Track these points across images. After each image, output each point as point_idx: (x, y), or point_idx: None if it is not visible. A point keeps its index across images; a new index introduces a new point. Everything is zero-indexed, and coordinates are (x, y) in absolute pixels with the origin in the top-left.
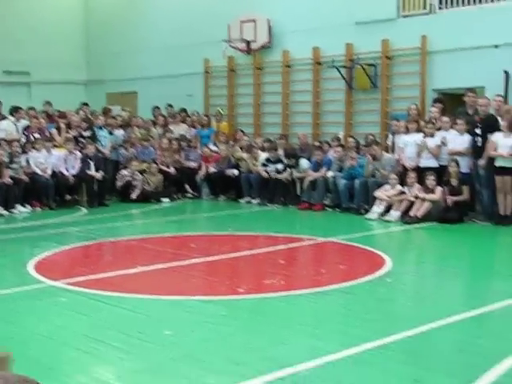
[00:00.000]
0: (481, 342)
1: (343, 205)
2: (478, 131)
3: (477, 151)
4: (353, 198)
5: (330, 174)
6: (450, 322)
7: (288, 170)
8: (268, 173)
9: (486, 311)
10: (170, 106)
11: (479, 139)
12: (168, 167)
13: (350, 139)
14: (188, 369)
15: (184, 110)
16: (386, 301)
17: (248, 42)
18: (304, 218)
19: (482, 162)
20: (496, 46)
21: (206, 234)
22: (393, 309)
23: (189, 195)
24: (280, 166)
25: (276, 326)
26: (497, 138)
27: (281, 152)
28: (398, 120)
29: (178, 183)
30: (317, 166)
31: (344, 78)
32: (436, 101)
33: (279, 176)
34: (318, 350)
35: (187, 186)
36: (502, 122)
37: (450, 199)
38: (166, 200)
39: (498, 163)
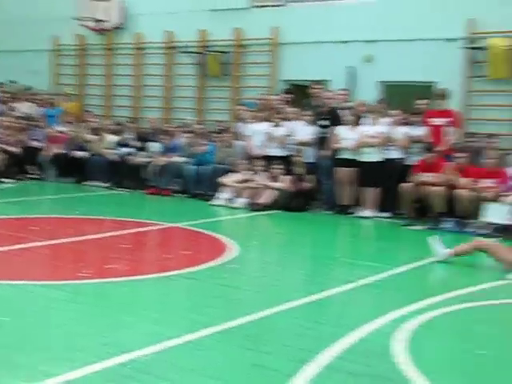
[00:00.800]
0: (318, 326)
1: (191, 191)
2: (323, 123)
3: (321, 142)
4: (201, 184)
5: (178, 159)
6: (290, 307)
7: (137, 153)
8: (117, 156)
9: (324, 296)
10: (13, 82)
11: (324, 131)
12: (11, 146)
13: (200, 125)
14: (24, 356)
15: (30, 88)
16: (229, 287)
17: (99, 22)
18: (152, 203)
19: (325, 153)
20: (344, 42)
21: (50, 217)
22: (235, 294)
23: (33, 176)
24: (129, 150)
25: (118, 310)
26: (340, 130)
27: (130, 135)
28: (246, 108)
29: (22, 163)
30: (166, 151)
31: (196, 65)
32: (284, 91)
33: (128, 159)
34: (159, 335)
35: (31, 167)
36: (345, 116)
37: (295, 188)
38: (8, 181)
39: (340, 155)
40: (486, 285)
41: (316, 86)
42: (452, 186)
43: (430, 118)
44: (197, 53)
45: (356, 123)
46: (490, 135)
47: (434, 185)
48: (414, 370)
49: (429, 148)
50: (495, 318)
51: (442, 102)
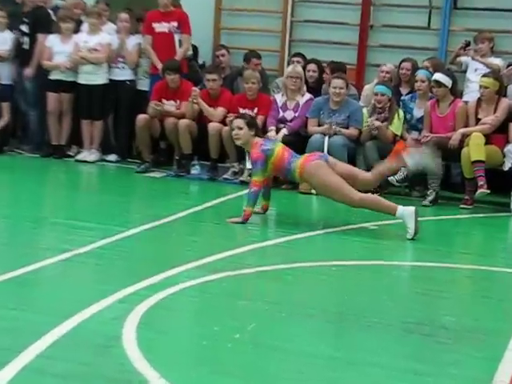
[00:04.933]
0: (21, 315)
1: None
2: (25, 29)
3: (23, 56)
4: None
5: None
6: None
7: None
8: None
9: (27, 272)
10: None
11: (26, 40)
12: None
13: None
14: None
15: None
16: None
17: None
18: None
19: (29, 71)
20: None
21: None
22: None
23: None
24: None
25: None
26: (52, 41)
27: None
28: None
29: None
30: None
31: None
32: None
33: None
34: None
35: None
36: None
37: None
38: None
39: (54, 76)
40: (249, 247)
41: None
42: (203, 119)
43: (154, 22)
44: None
45: (69, 31)
46: (251, 52)
47: (178, 117)
48: (146, 364)
49: (171, 67)
50: (251, 291)
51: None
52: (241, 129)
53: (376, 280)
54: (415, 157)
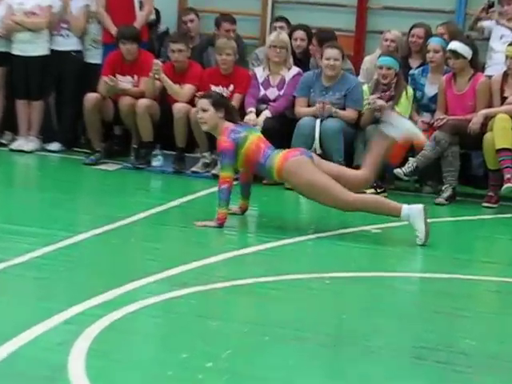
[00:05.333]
0: None
1: None
2: None
3: None
4: None
5: None
6: None
7: None
8: None
9: None
10: None
11: None
12: None
13: None
14: None
15: None
16: None
17: None
18: None
19: None
20: None
21: None
22: None
23: None
24: None
25: None
26: None
27: None
28: None
29: None
30: None
31: None
32: None
33: None
34: None
35: None
36: None
37: None
38: None
39: None
40: (224, 256)
41: None
42: (167, 99)
43: None
44: None
45: None
46: (223, 16)
47: (135, 96)
48: None
49: (127, 34)
50: (226, 309)
51: None
52: (205, 111)
53: (379, 296)
54: (393, 122)
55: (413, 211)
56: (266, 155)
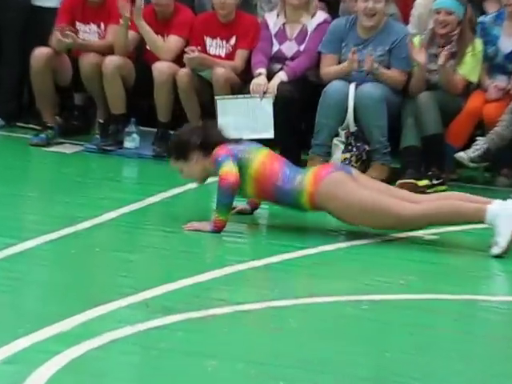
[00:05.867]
0: None
1: None
2: None
3: None
4: None
5: None
6: None
7: None
8: None
9: None
10: None
11: None
12: None
13: None
14: None
15: None
16: None
17: None
18: None
19: None
20: None
21: None
22: None
23: None
24: None
25: None
26: None
27: None
28: None
29: None
30: None
31: None
32: None
33: None
34: None
35: None
36: None
37: None
38: None
39: None
40: (223, 271)
41: None
42: (146, 56)
43: None
44: None
45: None
46: None
47: (102, 51)
48: None
49: None
50: (225, 344)
51: None
52: (182, 170)
53: (437, 326)
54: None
55: (503, 211)
56: (285, 176)
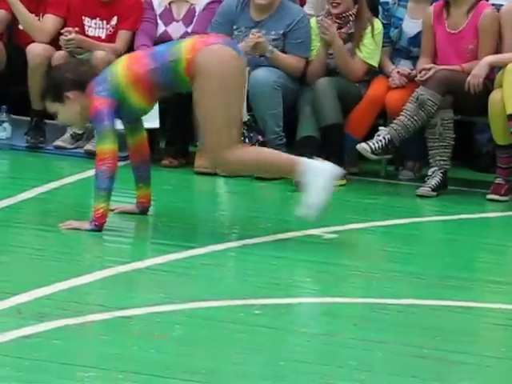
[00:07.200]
0: None
1: None
2: None
3: None
4: None
5: None
6: None
7: None
8: None
9: None
10: None
11: None
12: None
13: None
14: None
15: None
16: None
17: None
18: None
19: None
20: None
21: None
22: None
23: None
24: None
25: None
26: None
27: None
28: None
29: None
30: None
31: None
32: None
33: None
34: None
35: None
36: None
37: None
38: None
39: None
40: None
41: None
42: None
43: None
44: None
45: None
46: None
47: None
48: None
49: None
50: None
51: None
52: (57, 112)
53: (341, 328)
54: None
55: (315, 169)
56: (155, 57)
